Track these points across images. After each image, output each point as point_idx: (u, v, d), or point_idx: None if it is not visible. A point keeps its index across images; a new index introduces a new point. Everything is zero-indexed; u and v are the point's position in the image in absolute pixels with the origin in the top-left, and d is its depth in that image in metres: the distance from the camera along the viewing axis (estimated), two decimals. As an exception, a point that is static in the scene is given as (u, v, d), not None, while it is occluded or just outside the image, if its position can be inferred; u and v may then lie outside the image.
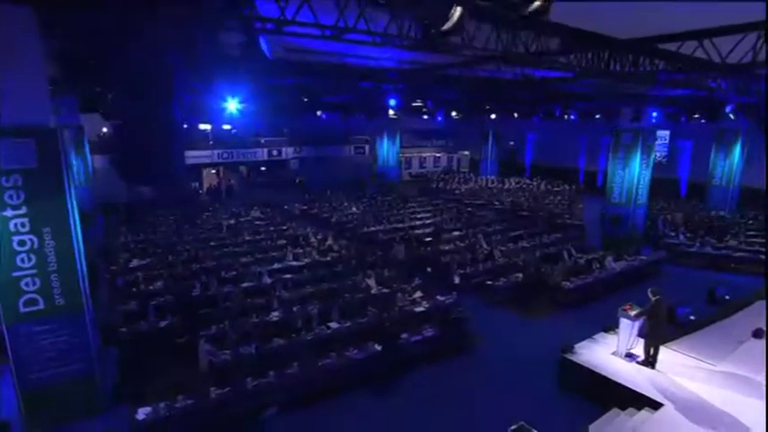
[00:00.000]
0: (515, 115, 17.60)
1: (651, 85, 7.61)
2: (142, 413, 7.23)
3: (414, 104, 10.08)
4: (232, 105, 10.50)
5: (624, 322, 8.83)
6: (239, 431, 7.73)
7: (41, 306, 7.51)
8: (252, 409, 8.00)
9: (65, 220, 7.52)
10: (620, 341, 8.95)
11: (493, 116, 17.38)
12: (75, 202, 7.98)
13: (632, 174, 16.83)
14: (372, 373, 9.03)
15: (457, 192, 28.91)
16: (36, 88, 7.17)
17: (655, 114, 15.44)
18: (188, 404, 7.49)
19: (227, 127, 30.04)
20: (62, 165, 7.39)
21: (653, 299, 8.38)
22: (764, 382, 7.93)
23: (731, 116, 14.14)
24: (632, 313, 8.65)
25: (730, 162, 22.24)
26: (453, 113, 14.98)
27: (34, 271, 7.40)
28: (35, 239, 7.32)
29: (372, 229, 18.95)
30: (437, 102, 11.66)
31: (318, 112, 13.79)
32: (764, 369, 8.21)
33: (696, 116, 20.03)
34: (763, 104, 15.54)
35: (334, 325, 10.09)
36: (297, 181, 30.38)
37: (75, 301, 7.79)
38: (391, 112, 14.22)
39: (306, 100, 13.07)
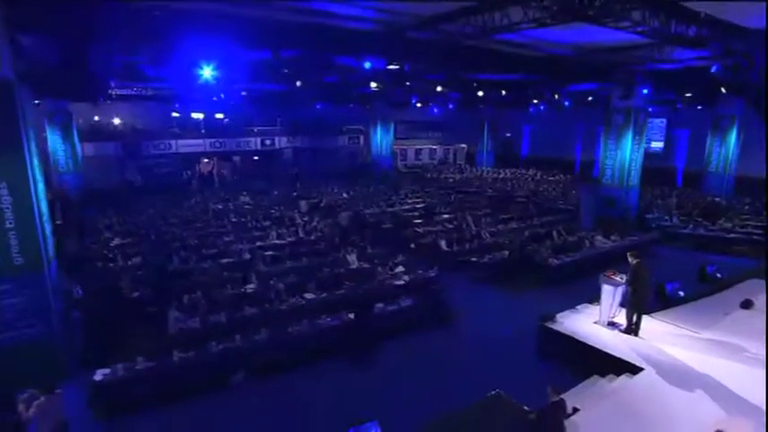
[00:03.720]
0: (503, 92, 17.19)
1: (626, 25, 7.22)
2: (100, 374, 6.98)
3: (390, 67, 9.76)
4: (207, 72, 10.27)
5: (606, 289, 8.54)
6: (204, 396, 7.45)
7: (-2, 264, 7.27)
8: (218, 375, 7.73)
9: (23, 175, 7.27)
10: (602, 309, 8.67)
11: (480, 93, 16.98)
12: (36, 160, 7.75)
13: (624, 155, 16.55)
14: (346, 341, 8.76)
15: (450, 180, 28.68)
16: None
17: (645, 91, 15.13)
18: (149, 366, 7.23)
19: (219, 116, 29.82)
20: (19, 118, 7.13)
21: (633, 262, 8.09)
22: (749, 348, 7.69)
23: (722, 90, 13.79)
24: (615, 278, 8.35)
25: (726, 148, 21.95)
26: (439, 88, 14.59)
27: (-10, 228, 7.17)
28: (-10, 195, 7.08)
29: (361, 213, 18.65)
30: (416, 69, 11.25)
31: (298, 83, 13.41)
32: (752, 337, 7.97)
33: (689, 95, 19.65)
34: (762, 91, 15.33)
35: (309, 296, 9.83)
36: (295, 173, 29.79)
37: (35, 260, 7.55)
38: (374, 84, 13.89)
39: (286, 71, 12.74)
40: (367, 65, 9.36)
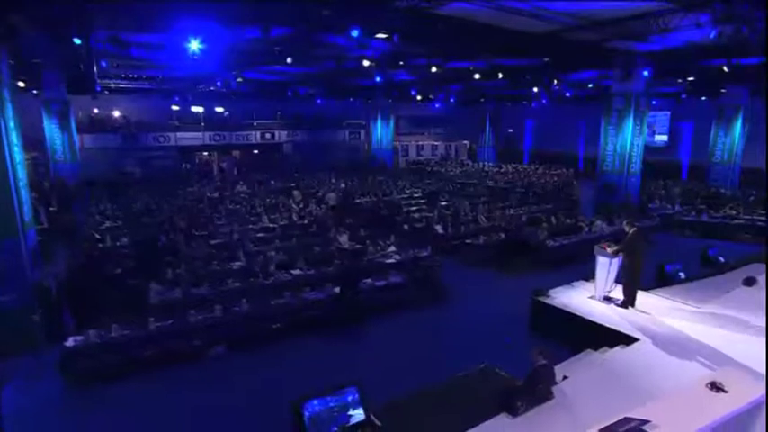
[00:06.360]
0: (500, 76, 16.83)
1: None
2: (72, 340, 6.74)
3: (379, 36, 9.46)
4: (194, 45, 10.12)
5: (601, 261, 8.21)
6: (181, 365, 7.20)
7: (-30, 228, 7.09)
8: (196, 346, 7.48)
9: (-4, 137, 7.09)
10: (598, 283, 8.33)
11: (477, 76, 16.65)
12: (12, 123, 7.57)
13: (625, 140, 16.20)
14: (331, 315, 8.47)
15: (451, 173, 28.45)
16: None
17: (646, 73, 14.78)
18: (124, 334, 6.99)
19: (219, 109, 29.74)
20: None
21: (629, 231, 7.77)
22: (749, 321, 7.34)
23: (726, 70, 13.37)
24: (609, 250, 8.03)
25: (731, 139, 21.51)
26: (434, 69, 14.23)
27: (-38, 190, 6.98)
28: (-39, 156, 6.89)
29: (358, 200, 18.46)
30: (406, 43, 10.94)
31: (289, 60, 13.17)
32: (753, 311, 7.61)
33: (691, 79, 19.24)
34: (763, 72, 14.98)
35: (296, 272, 9.57)
36: (292, 165, 29.64)
37: (10, 226, 7.36)
38: (366, 62, 13.64)
39: (278, 49, 12.50)
40: (354, 33, 9.13)
